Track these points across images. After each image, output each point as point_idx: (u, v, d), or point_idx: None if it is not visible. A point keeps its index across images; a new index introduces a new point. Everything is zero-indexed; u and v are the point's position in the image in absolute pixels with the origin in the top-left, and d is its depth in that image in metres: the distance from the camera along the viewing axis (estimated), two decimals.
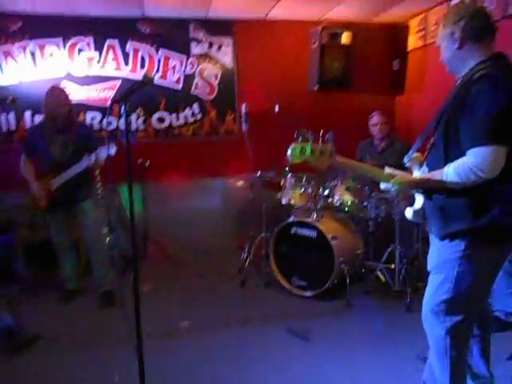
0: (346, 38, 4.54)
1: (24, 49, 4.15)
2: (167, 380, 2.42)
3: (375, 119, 3.93)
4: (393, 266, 3.44)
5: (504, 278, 2.79)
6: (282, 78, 4.77)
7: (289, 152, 1.65)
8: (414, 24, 4.69)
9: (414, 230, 3.57)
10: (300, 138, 1.68)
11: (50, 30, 4.17)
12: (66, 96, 3.30)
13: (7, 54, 4.12)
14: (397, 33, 4.93)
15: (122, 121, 4.47)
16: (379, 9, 4.44)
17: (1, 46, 4.11)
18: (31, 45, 4.16)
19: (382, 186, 1.90)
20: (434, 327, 1.85)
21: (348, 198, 3.48)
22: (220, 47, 4.61)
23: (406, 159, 1.95)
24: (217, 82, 4.66)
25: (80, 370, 2.56)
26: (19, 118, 4.23)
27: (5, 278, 3.80)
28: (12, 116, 4.21)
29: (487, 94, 1.58)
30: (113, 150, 3.00)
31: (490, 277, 1.83)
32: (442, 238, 1.77)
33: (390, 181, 1.82)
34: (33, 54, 4.18)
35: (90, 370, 2.55)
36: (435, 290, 1.82)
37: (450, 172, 1.64)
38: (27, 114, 4.22)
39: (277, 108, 4.80)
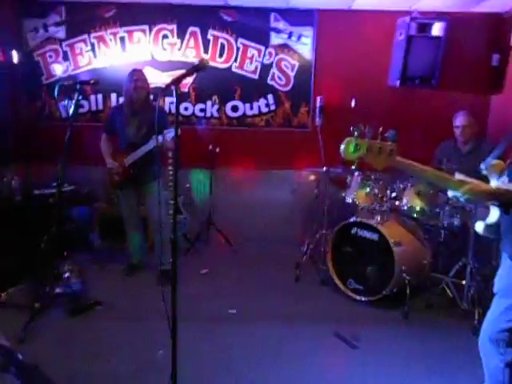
0: (437, 29, 4.16)
1: (115, 35, 4.44)
2: (202, 363, 2.45)
3: (458, 120, 3.56)
4: (463, 281, 3.12)
5: None
6: (362, 71, 4.53)
7: (342, 147, 1.50)
8: None
9: (492, 244, 3.18)
10: (355, 133, 1.51)
11: (138, 17, 4.40)
12: (145, 80, 3.46)
13: (100, 39, 4.45)
14: (498, 24, 4.40)
15: (198, 107, 4.63)
16: None
17: (95, 32, 4.43)
18: (121, 31, 4.43)
19: (450, 193, 1.70)
20: (491, 357, 1.65)
21: (417, 204, 3.21)
22: (300, 38, 4.51)
23: (483, 165, 1.72)
24: (293, 73, 4.57)
25: (129, 338, 2.71)
26: (106, 99, 4.56)
27: (80, 247, 4.16)
28: (100, 97, 4.56)
29: None
30: (172, 133, 3.09)
31: None
32: None
33: (459, 189, 1.60)
34: (122, 40, 4.45)
35: (136, 340, 2.68)
36: (498, 315, 1.62)
37: None
38: (113, 96, 4.54)
39: (353, 103, 4.60)
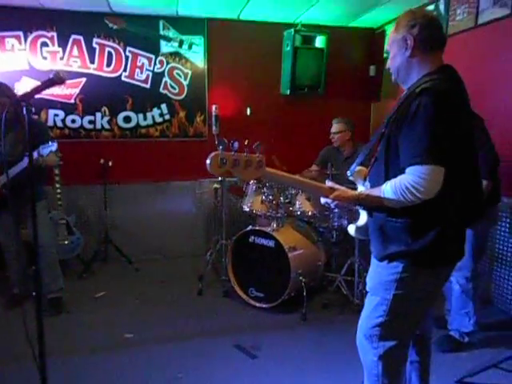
0: (320, 41, 4.43)
1: None
2: None
3: (333, 127, 3.75)
4: (352, 278, 3.33)
5: (460, 297, 2.69)
6: (255, 80, 4.64)
7: (208, 162, 1.46)
8: (390, 30, 4.57)
9: None
10: (221, 147, 1.49)
11: (10, 22, 4.00)
12: (8, 92, 3.12)
13: None
14: (374, 38, 4.82)
15: (86, 119, 4.34)
16: (354, 13, 4.32)
17: None
18: None
19: (322, 200, 1.78)
20: (367, 353, 1.75)
21: (309, 208, 3.36)
22: (191, 46, 4.47)
23: (349, 172, 1.83)
24: (187, 82, 4.52)
25: None
26: None
27: None
28: None
29: (428, 110, 1.44)
30: (54, 147, 2.85)
31: (427, 302, 1.72)
32: (380, 260, 1.66)
33: (328, 195, 1.69)
34: None
35: None
36: (370, 312, 1.72)
37: (388, 189, 1.52)
38: None
39: (248, 111, 4.70)
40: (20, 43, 4.07)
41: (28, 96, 1.63)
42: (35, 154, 2.93)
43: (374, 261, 1.76)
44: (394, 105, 1.66)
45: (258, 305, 3.29)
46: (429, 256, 1.56)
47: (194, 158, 4.61)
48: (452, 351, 2.67)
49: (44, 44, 4.13)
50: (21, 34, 4.06)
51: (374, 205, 1.63)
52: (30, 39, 4.08)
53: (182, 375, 2.47)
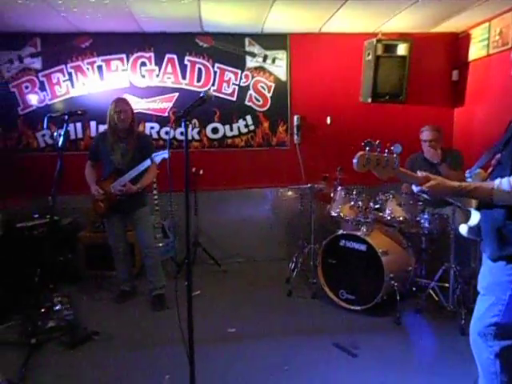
0: (402, 49, 4.46)
1: (92, 64, 4.48)
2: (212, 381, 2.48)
3: (425, 135, 3.70)
4: (447, 284, 3.31)
5: None
6: (334, 90, 4.77)
7: (355, 161, 1.62)
8: (476, 33, 4.51)
9: (471, 247, 3.40)
10: (367, 148, 1.65)
11: (115, 46, 4.47)
12: (128, 109, 3.49)
13: (77, 69, 4.47)
14: (457, 43, 4.76)
15: (178, 131, 4.69)
16: (439, 18, 4.31)
17: (72, 62, 4.45)
18: (99, 60, 4.48)
19: (415, 189, 1.78)
20: (482, 351, 1.77)
21: (400, 213, 3.39)
22: (274, 60, 4.70)
23: (468, 173, 1.87)
24: (270, 94, 4.75)
25: (133, 366, 2.71)
26: (85, 127, 4.56)
27: (67, 277, 4.08)
28: (79, 125, 4.55)
29: None
30: (166, 155, 3.15)
31: None
32: (496, 261, 1.70)
33: (424, 184, 1.71)
34: (100, 69, 4.49)
35: (141, 368, 2.68)
36: (484, 311, 1.74)
37: (505, 182, 1.57)
38: (93, 124, 4.54)
39: (328, 120, 4.83)
40: (123, 64, 4.53)
41: (186, 112, 1.89)
42: (149, 162, 3.26)
43: (487, 261, 1.78)
44: None
45: (349, 307, 3.37)
46: None
47: (277, 166, 4.82)
48: None
49: (143, 64, 4.56)
50: (124, 56, 4.51)
51: (479, 197, 1.66)
52: (131, 60, 4.53)
53: (288, 367, 2.62)
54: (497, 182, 1.60)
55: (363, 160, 1.61)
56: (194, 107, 1.95)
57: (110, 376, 2.61)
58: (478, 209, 1.80)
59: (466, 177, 1.87)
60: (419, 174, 1.77)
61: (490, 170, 1.82)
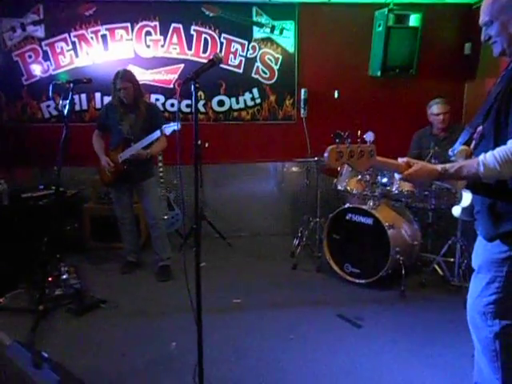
0: (414, 20, 4.33)
1: (96, 33, 4.39)
2: (217, 351, 2.51)
3: (437, 108, 3.64)
4: (452, 259, 3.31)
5: None
6: (343, 63, 4.65)
7: (325, 155, 1.48)
8: None
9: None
10: (337, 140, 1.54)
11: (119, 14, 4.36)
12: (131, 80, 3.42)
13: (81, 38, 4.38)
14: (470, 14, 4.61)
15: (184, 103, 4.62)
16: None
17: (76, 31, 4.37)
18: (103, 29, 4.38)
19: (397, 176, 1.68)
20: (481, 330, 1.73)
21: (407, 188, 3.36)
22: (282, 31, 4.58)
23: (451, 152, 1.77)
24: (277, 66, 4.65)
25: (140, 333, 2.75)
26: (90, 99, 4.50)
27: (73, 248, 4.11)
28: (84, 96, 4.49)
29: None
30: (176, 126, 3.11)
31: None
32: (491, 240, 1.61)
33: (403, 172, 1.59)
34: (104, 38, 4.40)
35: (147, 335, 2.72)
36: (482, 290, 1.68)
37: (489, 157, 1.46)
38: (97, 95, 4.48)
39: (336, 94, 4.74)
40: (128, 33, 4.43)
41: (196, 75, 1.84)
42: (159, 133, 3.22)
43: (481, 240, 1.71)
44: (498, 79, 1.59)
45: (354, 280, 3.39)
46: None
47: (283, 140, 4.77)
48: None
49: (148, 33, 4.45)
50: (128, 25, 4.41)
51: (467, 177, 1.54)
52: (136, 29, 4.43)
53: (293, 337, 2.65)
54: (481, 157, 1.48)
55: (335, 154, 1.47)
56: (203, 70, 1.90)
57: (117, 341, 2.65)
58: (468, 188, 1.74)
59: (450, 155, 1.79)
60: (400, 160, 1.65)
61: (472, 144, 1.73)
